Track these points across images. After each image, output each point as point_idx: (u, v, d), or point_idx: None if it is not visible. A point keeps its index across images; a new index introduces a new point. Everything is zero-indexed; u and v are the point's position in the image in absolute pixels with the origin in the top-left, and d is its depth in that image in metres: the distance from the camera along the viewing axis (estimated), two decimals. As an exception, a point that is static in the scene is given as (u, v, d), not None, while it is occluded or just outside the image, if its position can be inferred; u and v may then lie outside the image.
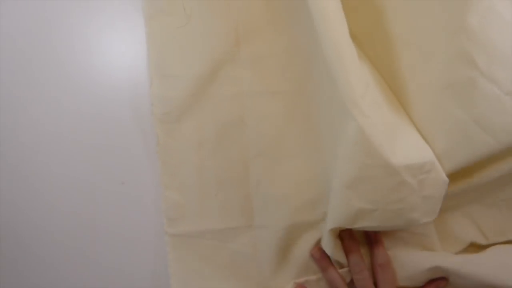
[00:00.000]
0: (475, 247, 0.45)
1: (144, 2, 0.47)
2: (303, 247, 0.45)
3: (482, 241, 0.45)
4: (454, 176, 0.40)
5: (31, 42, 0.49)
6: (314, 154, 0.45)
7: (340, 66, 0.36)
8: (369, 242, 0.44)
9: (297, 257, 0.45)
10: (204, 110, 0.46)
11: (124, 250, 0.47)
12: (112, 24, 0.49)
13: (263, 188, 0.45)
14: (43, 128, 0.48)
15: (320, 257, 0.44)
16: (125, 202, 0.47)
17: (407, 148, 0.37)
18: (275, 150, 0.45)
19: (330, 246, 0.42)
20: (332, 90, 0.38)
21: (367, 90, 0.37)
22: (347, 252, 0.43)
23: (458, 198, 0.43)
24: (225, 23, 0.46)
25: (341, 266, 0.44)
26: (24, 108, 0.48)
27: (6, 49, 0.49)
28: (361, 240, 0.45)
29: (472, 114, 0.36)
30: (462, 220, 0.40)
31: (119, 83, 0.49)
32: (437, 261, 0.41)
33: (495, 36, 0.35)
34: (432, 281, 0.43)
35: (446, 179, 0.38)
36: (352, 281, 0.44)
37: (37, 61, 0.48)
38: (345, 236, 0.43)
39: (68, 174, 0.47)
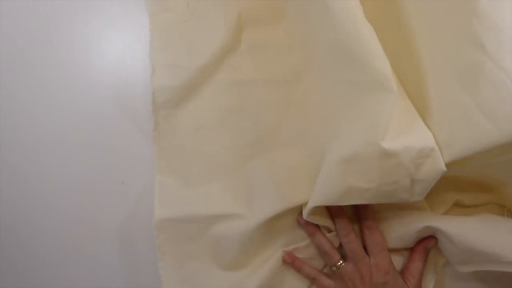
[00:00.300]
0: (459, 207, 0.45)
1: (147, 1, 0.48)
2: (290, 221, 0.45)
3: (465, 199, 0.45)
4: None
5: (31, 42, 0.49)
6: (311, 142, 0.45)
7: (365, 44, 0.36)
8: (356, 208, 0.44)
9: (284, 229, 0.45)
10: (202, 97, 0.46)
11: (124, 249, 0.47)
12: (112, 24, 0.50)
13: (258, 175, 0.45)
14: (43, 128, 0.48)
15: (306, 222, 0.44)
16: (125, 201, 0.47)
17: (408, 131, 0.37)
18: (271, 138, 0.46)
19: (313, 218, 0.42)
20: (354, 70, 0.38)
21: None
22: (333, 217, 0.43)
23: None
24: (228, 16, 0.46)
25: (329, 231, 0.44)
26: (24, 108, 0.48)
27: (6, 49, 0.49)
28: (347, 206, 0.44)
29: (476, 100, 0.35)
30: (444, 180, 0.39)
31: (119, 82, 0.49)
32: (426, 221, 0.41)
33: (506, 22, 0.34)
34: (421, 240, 0.43)
35: (444, 168, 0.37)
36: (341, 246, 0.44)
37: (37, 61, 0.49)
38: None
39: (68, 173, 0.47)
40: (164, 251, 0.45)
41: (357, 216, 0.44)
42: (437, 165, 0.37)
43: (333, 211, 0.43)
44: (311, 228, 0.44)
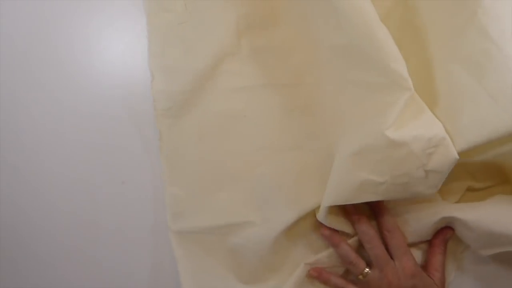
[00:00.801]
0: (472, 192, 0.45)
1: (145, 1, 0.48)
2: (305, 233, 0.45)
3: (476, 184, 0.45)
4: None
5: (31, 42, 0.49)
6: (317, 144, 0.45)
7: (381, 46, 0.36)
8: (373, 210, 0.44)
9: (300, 234, 0.45)
10: (204, 104, 0.46)
11: (124, 249, 0.47)
12: (112, 23, 0.50)
13: (266, 181, 0.45)
14: (43, 128, 0.48)
15: (330, 234, 0.43)
16: (125, 201, 0.47)
17: (416, 121, 0.37)
18: (276, 143, 0.45)
19: (329, 220, 0.42)
20: (368, 72, 0.38)
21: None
22: (354, 223, 0.43)
23: None
24: (226, 18, 0.46)
25: (349, 236, 0.44)
26: (24, 108, 0.48)
27: (6, 49, 0.49)
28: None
29: (485, 86, 0.36)
30: (456, 169, 0.39)
31: (119, 82, 0.49)
32: (441, 212, 0.41)
33: (507, 13, 0.36)
34: (438, 232, 0.43)
35: (456, 156, 0.37)
36: (363, 249, 0.44)
37: (37, 61, 0.49)
38: (349, 207, 0.43)
39: (68, 173, 0.47)
40: (183, 266, 0.45)
41: (375, 219, 0.44)
42: (449, 153, 0.37)
43: (353, 217, 0.43)
44: (335, 239, 0.43)
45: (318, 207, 0.43)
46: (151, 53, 0.47)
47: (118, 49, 0.49)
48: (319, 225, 0.44)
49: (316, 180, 0.44)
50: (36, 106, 0.48)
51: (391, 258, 0.42)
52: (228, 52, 0.46)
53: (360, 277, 0.43)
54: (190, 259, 0.45)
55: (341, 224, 0.43)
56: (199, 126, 0.46)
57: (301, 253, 0.45)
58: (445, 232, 0.43)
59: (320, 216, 0.42)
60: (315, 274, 0.44)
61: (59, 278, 0.46)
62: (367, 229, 0.42)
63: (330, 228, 0.43)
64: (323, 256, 0.44)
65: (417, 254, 0.45)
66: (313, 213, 0.44)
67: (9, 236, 0.47)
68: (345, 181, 0.38)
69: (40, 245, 0.47)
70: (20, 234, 0.47)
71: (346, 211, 0.44)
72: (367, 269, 0.42)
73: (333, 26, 0.39)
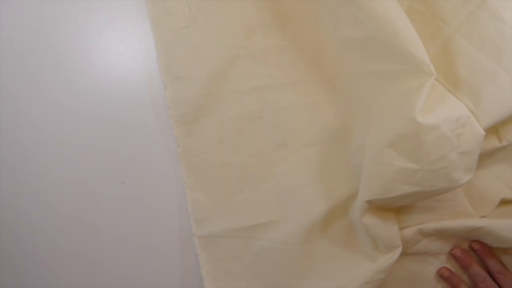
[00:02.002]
0: (505, 203, 0.45)
1: (148, 5, 0.47)
2: (334, 235, 0.45)
3: (511, 195, 0.45)
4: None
5: (31, 42, 0.49)
6: (335, 138, 0.45)
7: (401, 35, 0.37)
8: (480, 255, 0.44)
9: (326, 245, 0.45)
10: (221, 108, 0.46)
11: (124, 249, 0.47)
12: (111, 24, 0.50)
13: (287, 179, 0.45)
14: (42, 128, 0.48)
15: (462, 254, 0.44)
16: (125, 201, 0.47)
17: (441, 105, 0.38)
18: (294, 140, 0.46)
19: (366, 219, 0.42)
20: (388, 62, 0.39)
21: None
22: (465, 267, 0.44)
23: (484, 159, 0.44)
24: (233, 19, 0.46)
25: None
26: (23, 108, 0.48)
27: (6, 49, 0.49)
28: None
29: (506, 67, 0.39)
30: (489, 179, 0.42)
31: (118, 82, 0.49)
32: (474, 225, 0.42)
33: None
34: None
35: (483, 132, 0.39)
36: None
37: (37, 61, 0.49)
38: (458, 253, 0.44)
39: (68, 173, 0.47)
40: (207, 270, 0.45)
41: (484, 263, 0.44)
42: (476, 130, 0.39)
43: (463, 261, 0.44)
44: (467, 259, 0.44)
45: (344, 202, 0.43)
46: (160, 63, 0.47)
47: (118, 50, 0.49)
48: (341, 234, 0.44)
49: (339, 173, 0.44)
50: (36, 106, 0.48)
51: None
52: (238, 55, 0.46)
53: None
54: (215, 264, 0.45)
55: (379, 227, 0.42)
56: (218, 130, 0.46)
57: (330, 253, 0.45)
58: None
59: (356, 213, 0.42)
60: (446, 274, 0.44)
61: (58, 278, 0.47)
62: (478, 271, 0.43)
63: (461, 248, 0.44)
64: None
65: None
66: (340, 208, 0.44)
67: (9, 237, 0.47)
68: (380, 173, 0.39)
69: (40, 245, 0.47)
70: (20, 234, 0.47)
71: (454, 256, 0.44)
72: None
73: (348, 20, 0.40)
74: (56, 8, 0.49)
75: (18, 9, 0.50)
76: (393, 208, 0.44)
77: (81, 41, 0.49)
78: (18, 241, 0.47)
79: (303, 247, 0.44)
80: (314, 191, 0.45)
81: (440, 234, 0.43)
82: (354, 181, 0.43)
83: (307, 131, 0.46)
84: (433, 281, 0.45)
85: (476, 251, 0.44)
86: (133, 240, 0.47)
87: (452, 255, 0.44)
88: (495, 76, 0.39)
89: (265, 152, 0.46)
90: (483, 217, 0.44)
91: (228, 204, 0.46)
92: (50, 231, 0.47)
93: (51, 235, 0.47)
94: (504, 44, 0.39)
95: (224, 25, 0.46)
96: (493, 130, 0.42)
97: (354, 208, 0.43)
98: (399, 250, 0.42)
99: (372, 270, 0.42)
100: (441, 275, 0.44)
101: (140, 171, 0.48)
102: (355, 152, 0.44)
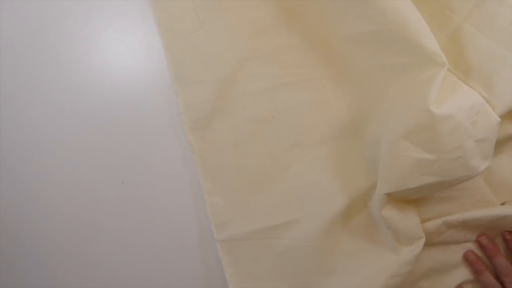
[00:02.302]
0: None
1: (155, 11, 0.48)
2: (355, 229, 0.44)
3: None
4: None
5: (31, 42, 0.49)
6: (348, 133, 0.45)
7: (412, 28, 0.38)
8: (486, 253, 0.44)
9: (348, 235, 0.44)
10: (234, 111, 0.46)
11: (124, 249, 0.46)
12: (112, 24, 0.49)
13: (304, 177, 0.45)
14: (42, 128, 0.47)
15: (475, 260, 0.43)
16: (125, 201, 0.46)
17: (455, 94, 0.38)
18: (308, 138, 0.46)
19: (386, 212, 0.41)
20: (400, 54, 0.39)
21: None
22: (491, 256, 0.43)
23: (501, 145, 0.44)
24: (240, 22, 0.47)
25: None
26: (23, 108, 0.48)
27: (6, 49, 0.49)
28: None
29: None
30: (507, 165, 0.42)
31: (119, 82, 0.48)
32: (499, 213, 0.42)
33: None
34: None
35: (498, 118, 0.39)
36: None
37: (37, 61, 0.48)
38: (484, 241, 0.43)
39: (68, 174, 0.47)
40: (230, 273, 0.45)
41: (489, 261, 0.44)
42: (491, 117, 0.39)
43: (489, 251, 0.43)
44: (479, 265, 0.43)
45: (363, 196, 0.43)
46: (171, 70, 0.47)
47: (118, 50, 0.49)
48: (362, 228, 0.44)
49: (355, 168, 0.44)
50: (36, 106, 0.48)
51: None
52: (247, 57, 0.46)
53: None
54: (238, 266, 0.45)
55: (399, 219, 0.42)
56: (231, 133, 0.46)
57: (353, 247, 0.44)
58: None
59: (376, 206, 0.42)
60: (472, 257, 0.43)
61: (58, 278, 0.46)
62: (504, 263, 0.42)
63: (488, 237, 0.43)
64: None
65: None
66: (359, 202, 0.44)
67: (9, 237, 0.46)
68: (398, 165, 0.39)
69: (40, 245, 0.46)
70: (20, 234, 0.46)
71: (481, 245, 0.43)
72: None
73: (357, 15, 0.40)
74: (56, 8, 0.49)
75: (19, 9, 0.50)
76: (413, 199, 0.43)
77: (81, 41, 0.49)
78: (18, 241, 0.46)
79: (325, 243, 0.43)
80: (332, 187, 0.44)
81: (465, 224, 0.43)
82: (371, 175, 0.43)
83: (320, 128, 0.46)
84: (458, 267, 0.44)
85: (508, 241, 0.43)
86: (133, 240, 0.46)
87: (478, 242, 0.44)
88: (507, 63, 0.40)
89: (280, 152, 0.46)
90: (503, 203, 0.44)
91: (247, 206, 0.45)
92: (50, 231, 0.46)
93: (51, 235, 0.46)
94: None
95: (232, 28, 0.47)
96: (509, 116, 0.42)
97: (373, 201, 0.43)
98: (422, 241, 0.41)
99: (396, 263, 0.41)
100: (466, 258, 0.43)
101: (140, 171, 0.47)
102: (371, 145, 0.44)
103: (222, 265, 0.45)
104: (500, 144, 0.43)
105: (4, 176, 0.47)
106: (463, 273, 0.44)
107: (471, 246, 0.44)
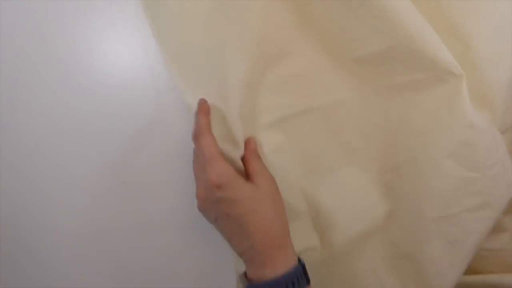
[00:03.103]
0: None
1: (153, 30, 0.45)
2: (372, 255, 0.44)
3: None
4: None
5: (32, 42, 0.48)
6: (362, 159, 0.44)
7: (426, 42, 0.37)
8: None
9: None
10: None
11: (124, 249, 0.46)
12: (113, 24, 0.49)
13: (324, 204, 0.44)
14: (43, 128, 0.47)
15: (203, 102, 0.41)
16: (126, 201, 0.47)
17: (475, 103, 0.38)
18: (323, 165, 0.44)
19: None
20: (417, 71, 0.38)
21: None
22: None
23: None
24: (242, 54, 0.42)
25: None
26: (24, 108, 0.47)
27: (7, 49, 0.48)
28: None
29: None
30: None
31: (120, 82, 0.48)
32: None
33: None
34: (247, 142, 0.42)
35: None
36: None
37: (38, 61, 0.48)
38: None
39: (68, 173, 0.47)
40: None
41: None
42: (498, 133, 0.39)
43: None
44: (205, 108, 0.41)
45: (381, 222, 0.42)
46: (184, 96, 0.44)
47: (119, 50, 0.49)
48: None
49: (371, 191, 0.43)
50: (37, 106, 0.47)
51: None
52: (254, 89, 0.43)
53: None
54: None
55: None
56: None
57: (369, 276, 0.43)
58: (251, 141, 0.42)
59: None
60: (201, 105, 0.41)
61: (59, 278, 0.46)
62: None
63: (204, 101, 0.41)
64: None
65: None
66: (377, 229, 0.43)
67: (9, 235, 0.46)
68: (443, 186, 0.38)
69: (40, 245, 0.46)
70: (20, 233, 0.46)
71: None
72: None
73: (366, 34, 0.39)
74: (57, 9, 0.49)
75: (19, 9, 0.49)
76: None
77: (83, 41, 0.49)
78: (18, 241, 0.46)
79: (341, 271, 0.43)
80: (349, 214, 0.43)
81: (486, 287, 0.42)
82: (387, 200, 0.43)
83: (334, 155, 0.45)
84: None
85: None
86: (133, 240, 0.47)
87: None
88: None
89: (297, 182, 0.44)
90: None
91: None
92: (50, 231, 0.46)
93: (51, 235, 0.46)
94: None
95: (235, 63, 0.42)
96: None
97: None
98: None
99: None
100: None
101: (140, 171, 0.47)
102: (388, 171, 0.43)
103: (225, 266, 0.45)
104: None
105: (4, 176, 0.46)
106: None
107: None
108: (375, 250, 0.44)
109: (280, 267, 0.36)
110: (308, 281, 0.37)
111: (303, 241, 0.44)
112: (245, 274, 0.39)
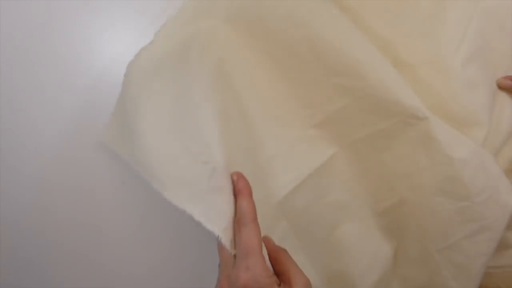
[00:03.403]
0: None
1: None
2: None
3: None
4: None
5: (32, 42, 0.49)
6: (353, 208, 0.43)
7: (393, 85, 0.38)
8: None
9: None
10: None
11: (124, 249, 0.47)
12: (113, 24, 0.49)
13: (331, 269, 0.43)
14: (43, 128, 0.48)
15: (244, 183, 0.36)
16: (126, 202, 0.47)
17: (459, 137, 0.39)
18: (318, 235, 0.43)
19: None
20: (383, 115, 0.38)
21: None
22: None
23: None
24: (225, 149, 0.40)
25: None
26: (24, 108, 0.48)
27: (7, 49, 0.49)
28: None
29: None
30: None
31: (119, 82, 0.46)
32: None
33: None
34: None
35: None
36: None
37: (38, 61, 0.49)
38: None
39: (68, 174, 0.47)
40: None
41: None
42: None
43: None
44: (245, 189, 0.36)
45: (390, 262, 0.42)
46: None
47: (119, 50, 0.49)
48: None
49: (376, 237, 0.43)
50: (36, 107, 0.48)
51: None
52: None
53: None
54: None
55: None
56: None
57: None
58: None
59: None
60: None
61: (59, 279, 0.46)
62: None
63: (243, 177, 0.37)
64: None
65: None
66: (390, 272, 0.43)
67: (9, 237, 0.47)
68: (437, 221, 0.39)
69: (40, 245, 0.46)
70: (20, 234, 0.47)
71: None
72: None
73: (327, 94, 0.39)
74: (57, 9, 0.49)
75: (19, 9, 0.50)
76: None
77: (83, 41, 0.49)
78: (18, 241, 0.47)
79: None
80: (358, 268, 0.42)
81: None
82: (390, 240, 0.43)
83: (325, 221, 0.43)
84: None
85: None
86: (133, 240, 0.47)
87: None
88: None
89: (298, 248, 0.42)
90: None
91: None
92: (50, 232, 0.47)
93: (51, 235, 0.46)
94: None
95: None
96: None
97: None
98: None
99: None
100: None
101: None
102: (382, 215, 0.42)
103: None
104: None
105: (4, 176, 0.47)
106: None
107: None
108: None
109: None
110: None
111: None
112: None
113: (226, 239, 0.33)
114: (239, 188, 0.35)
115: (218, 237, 0.33)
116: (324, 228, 0.43)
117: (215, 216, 0.34)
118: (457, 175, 0.37)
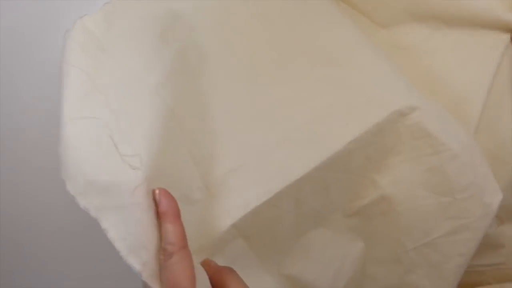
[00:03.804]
0: None
1: None
2: None
3: None
4: None
5: (31, 42, 0.49)
6: (327, 217, 0.41)
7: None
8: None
9: None
10: None
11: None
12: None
13: (287, 278, 0.40)
14: (42, 128, 0.47)
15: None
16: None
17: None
18: (281, 242, 0.40)
19: None
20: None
21: None
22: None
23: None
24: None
25: None
26: (23, 108, 0.48)
27: (6, 49, 0.49)
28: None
29: None
30: None
31: None
32: None
33: None
34: None
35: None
36: None
37: (37, 61, 0.49)
38: None
39: None
40: None
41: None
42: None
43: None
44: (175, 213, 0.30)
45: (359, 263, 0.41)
46: None
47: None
48: None
49: (343, 240, 0.41)
50: (36, 106, 0.48)
51: None
52: None
53: None
54: None
55: None
56: None
57: None
58: None
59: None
60: None
61: (59, 278, 0.47)
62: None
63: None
64: None
65: None
66: (359, 274, 0.42)
67: (9, 237, 0.47)
68: (419, 215, 0.38)
69: (40, 245, 0.47)
70: (20, 234, 0.47)
71: None
72: None
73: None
74: (57, 9, 0.50)
75: (20, 9, 0.50)
76: None
77: None
78: (18, 241, 0.47)
79: None
80: (328, 275, 0.40)
81: None
82: (357, 242, 0.41)
83: (291, 230, 0.40)
84: None
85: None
86: None
87: None
88: None
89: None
90: None
91: None
92: (50, 231, 0.47)
93: (51, 235, 0.47)
94: None
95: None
96: None
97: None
98: None
99: None
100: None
101: None
102: (352, 216, 0.41)
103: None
104: None
105: (4, 176, 0.47)
106: None
107: None
108: None
109: None
110: None
111: None
112: None
113: (148, 275, 0.29)
114: (163, 210, 0.29)
115: (138, 273, 0.28)
116: (291, 237, 0.39)
117: (134, 244, 0.29)
118: (443, 167, 0.36)
